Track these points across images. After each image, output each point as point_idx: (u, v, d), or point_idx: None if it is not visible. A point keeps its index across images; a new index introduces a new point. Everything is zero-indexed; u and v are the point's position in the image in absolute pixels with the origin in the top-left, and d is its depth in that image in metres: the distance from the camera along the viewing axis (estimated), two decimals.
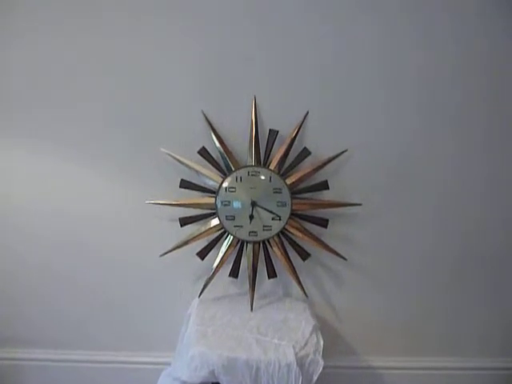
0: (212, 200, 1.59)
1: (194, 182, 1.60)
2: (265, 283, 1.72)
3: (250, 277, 1.64)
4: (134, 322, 1.75)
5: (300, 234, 1.63)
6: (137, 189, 1.64)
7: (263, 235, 1.60)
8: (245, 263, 1.64)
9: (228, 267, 1.66)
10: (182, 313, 1.65)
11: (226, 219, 1.59)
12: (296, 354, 1.35)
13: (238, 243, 1.63)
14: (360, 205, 1.62)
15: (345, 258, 1.67)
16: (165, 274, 1.70)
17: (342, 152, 1.61)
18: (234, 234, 1.60)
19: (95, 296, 1.72)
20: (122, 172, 1.63)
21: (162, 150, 1.58)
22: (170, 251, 1.64)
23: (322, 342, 1.44)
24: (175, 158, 1.58)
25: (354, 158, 1.62)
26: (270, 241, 1.62)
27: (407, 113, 1.61)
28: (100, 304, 1.72)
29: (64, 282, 1.70)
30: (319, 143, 1.60)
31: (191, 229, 1.64)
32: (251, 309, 1.64)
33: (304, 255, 1.67)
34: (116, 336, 1.75)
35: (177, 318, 1.65)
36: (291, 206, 1.58)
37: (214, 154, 1.59)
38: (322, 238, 1.65)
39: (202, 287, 1.67)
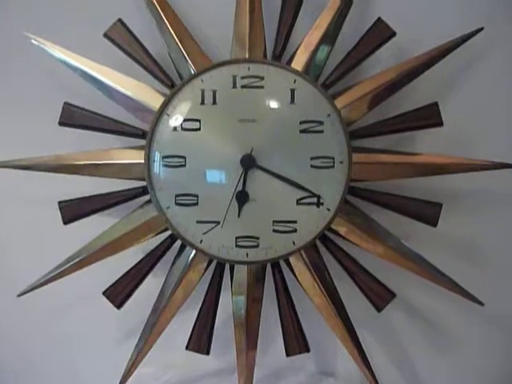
0: (139, 155, 0.63)
1: (93, 109, 0.67)
2: (277, 347, 0.75)
3: (239, 346, 0.67)
4: None
5: (368, 244, 0.63)
6: None
7: (274, 246, 0.63)
8: (227, 314, 0.69)
9: (186, 325, 0.70)
10: None
11: (177, 205, 0.62)
12: None
13: (207, 267, 0.67)
14: None
15: (481, 303, 0.67)
16: (55, 331, 0.80)
17: (478, 30, 0.62)
18: (195, 243, 0.62)
19: None
20: None
21: (27, 35, 0.68)
22: (33, 289, 0.67)
23: None
24: (59, 59, 0.67)
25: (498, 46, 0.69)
26: (292, 261, 0.65)
27: None
28: None
29: None
30: (412, 10, 0.69)
31: (95, 229, 0.68)
32: None
33: (381, 298, 0.65)
34: None
35: None
36: (349, 168, 0.60)
37: (147, 40, 0.67)
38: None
39: (126, 366, 0.71)
